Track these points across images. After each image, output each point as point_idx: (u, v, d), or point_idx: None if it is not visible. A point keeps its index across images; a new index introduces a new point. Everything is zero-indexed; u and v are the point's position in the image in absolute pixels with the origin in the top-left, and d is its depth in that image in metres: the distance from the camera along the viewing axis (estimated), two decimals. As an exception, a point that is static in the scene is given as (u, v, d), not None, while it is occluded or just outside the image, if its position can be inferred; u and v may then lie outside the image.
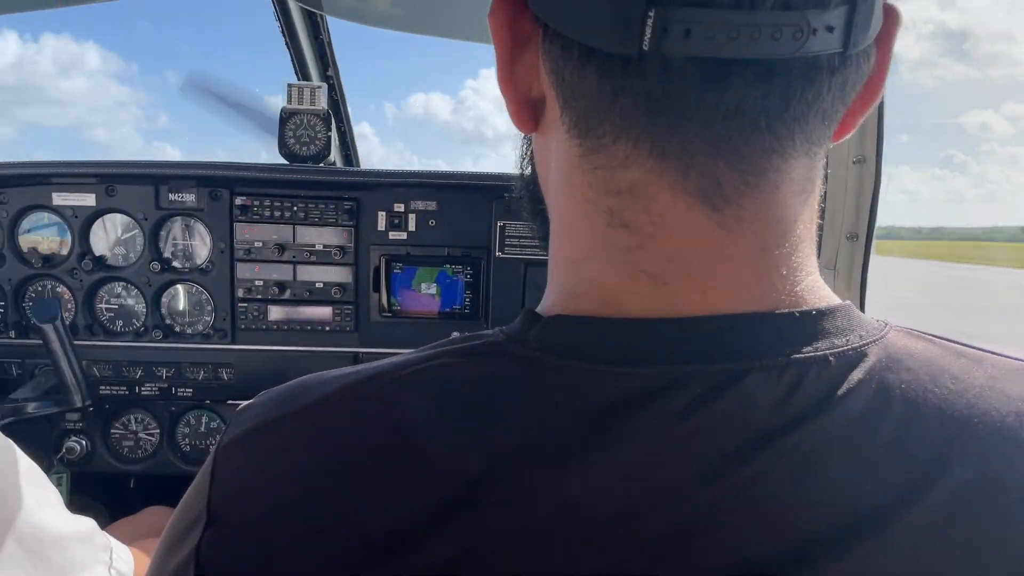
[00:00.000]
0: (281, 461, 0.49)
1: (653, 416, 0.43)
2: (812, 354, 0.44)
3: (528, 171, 0.62)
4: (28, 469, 0.68)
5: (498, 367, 0.48)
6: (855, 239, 1.36)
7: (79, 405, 1.65)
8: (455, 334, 1.67)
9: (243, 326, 1.86)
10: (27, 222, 1.83)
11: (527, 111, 0.52)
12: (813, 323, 0.46)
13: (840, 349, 0.45)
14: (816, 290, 0.49)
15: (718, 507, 0.41)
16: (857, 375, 0.44)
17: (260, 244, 1.82)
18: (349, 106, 2.02)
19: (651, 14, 0.40)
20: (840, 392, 0.43)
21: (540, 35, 0.48)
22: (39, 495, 0.69)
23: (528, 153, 0.62)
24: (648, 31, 0.40)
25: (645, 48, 0.41)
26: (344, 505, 0.45)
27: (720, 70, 0.41)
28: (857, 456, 0.42)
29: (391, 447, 0.46)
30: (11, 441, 0.67)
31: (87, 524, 0.78)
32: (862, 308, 1.45)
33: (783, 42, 0.40)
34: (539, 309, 0.52)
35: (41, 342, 1.64)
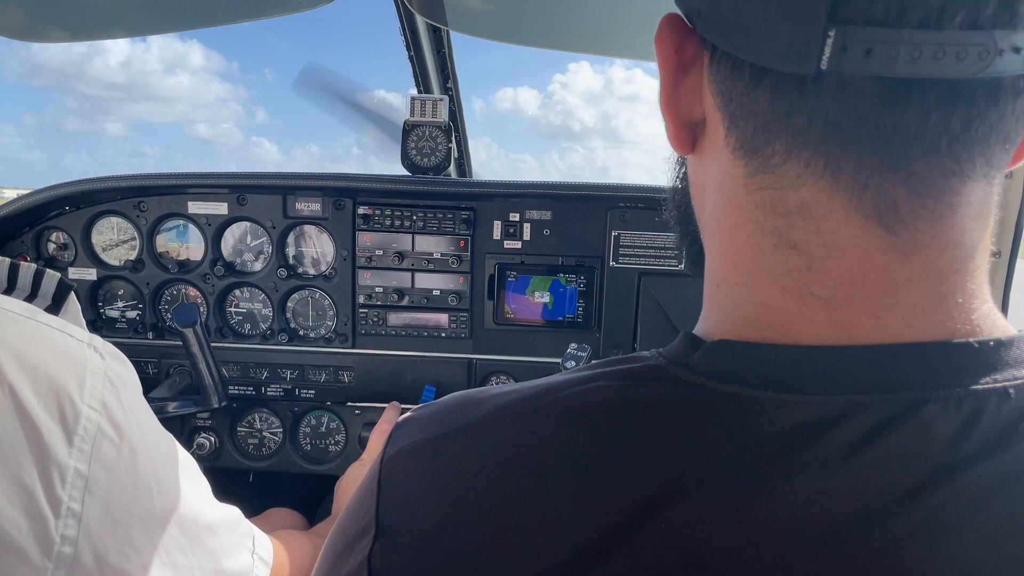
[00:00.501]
0: (448, 475, 0.50)
1: (830, 446, 0.42)
2: (991, 386, 0.43)
3: (679, 194, 0.63)
4: (187, 461, 0.74)
5: (663, 392, 0.48)
6: (998, 256, 1.34)
7: (216, 406, 1.74)
8: (572, 345, 1.68)
9: (363, 331, 1.92)
10: (164, 229, 1.93)
11: (686, 133, 0.53)
12: (992, 354, 0.44)
13: (1020, 381, 0.43)
14: (992, 319, 0.47)
15: (900, 542, 0.40)
16: None
17: (380, 252, 1.88)
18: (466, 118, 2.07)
19: (831, 33, 0.40)
20: (1022, 426, 0.42)
21: (706, 58, 0.49)
22: (196, 484, 0.74)
23: (681, 174, 0.62)
24: (827, 50, 0.40)
25: (823, 67, 0.40)
26: (510, 523, 0.46)
27: (900, 90, 0.41)
28: None
29: (556, 468, 0.47)
30: (171, 435, 0.72)
31: (233, 512, 0.83)
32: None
33: (968, 62, 0.39)
34: (697, 331, 0.52)
35: (180, 343, 1.74)
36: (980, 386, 0.43)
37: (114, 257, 1.95)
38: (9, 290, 0.75)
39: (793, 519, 0.42)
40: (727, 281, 0.51)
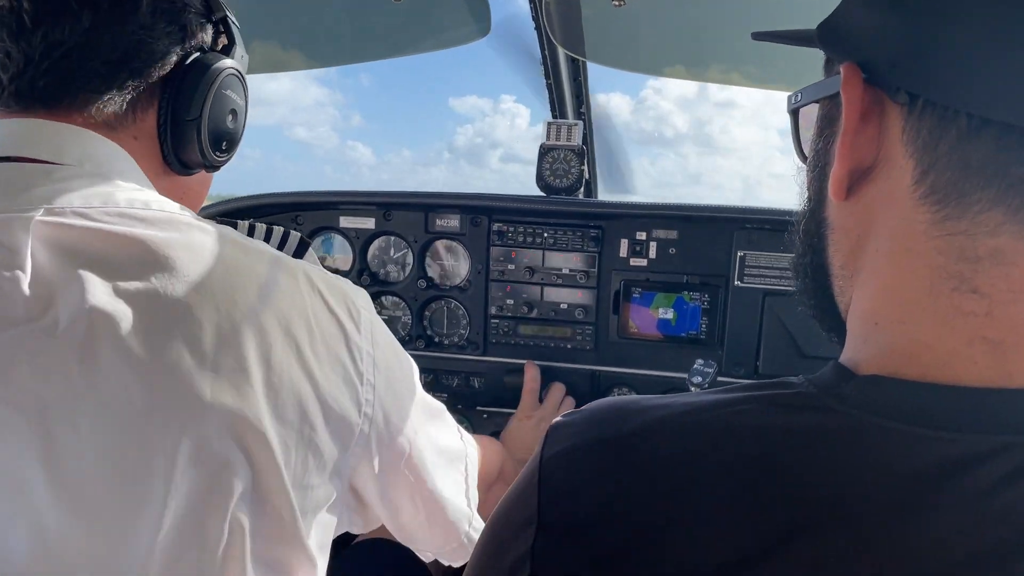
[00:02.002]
0: (606, 478, 0.54)
1: (979, 481, 0.43)
2: None
3: (813, 238, 0.62)
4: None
5: (814, 420, 0.49)
6: None
7: None
8: (699, 361, 1.73)
9: (494, 340, 2.05)
10: (318, 241, 2.12)
11: (850, 179, 0.54)
12: None
13: None
14: None
15: None
16: None
17: (512, 267, 2.00)
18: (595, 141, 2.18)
19: None
20: None
21: (894, 108, 0.51)
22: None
23: (819, 220, 0.62)
24: None
25: None
26: (662, 531, 0.49)
27: None
28: None
29: (707, 487, 0.50)
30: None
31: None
32: None
33: None
34: (844, 362, 0.54)
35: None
36: None
37: None
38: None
39: (939, 551, 0.43)
40: (888, 319, 0.52)
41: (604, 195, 2.39)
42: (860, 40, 0.53)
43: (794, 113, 0.66)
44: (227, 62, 0.85)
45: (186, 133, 0.83)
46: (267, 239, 0.97)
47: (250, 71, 0.93)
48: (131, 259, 0.67)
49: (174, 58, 0.81)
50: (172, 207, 0.75)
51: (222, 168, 0.94)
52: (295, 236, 0.99)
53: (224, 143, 0.89)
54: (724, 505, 0.49)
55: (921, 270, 0.50)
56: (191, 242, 0.71)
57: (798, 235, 0.65)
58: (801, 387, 0.52)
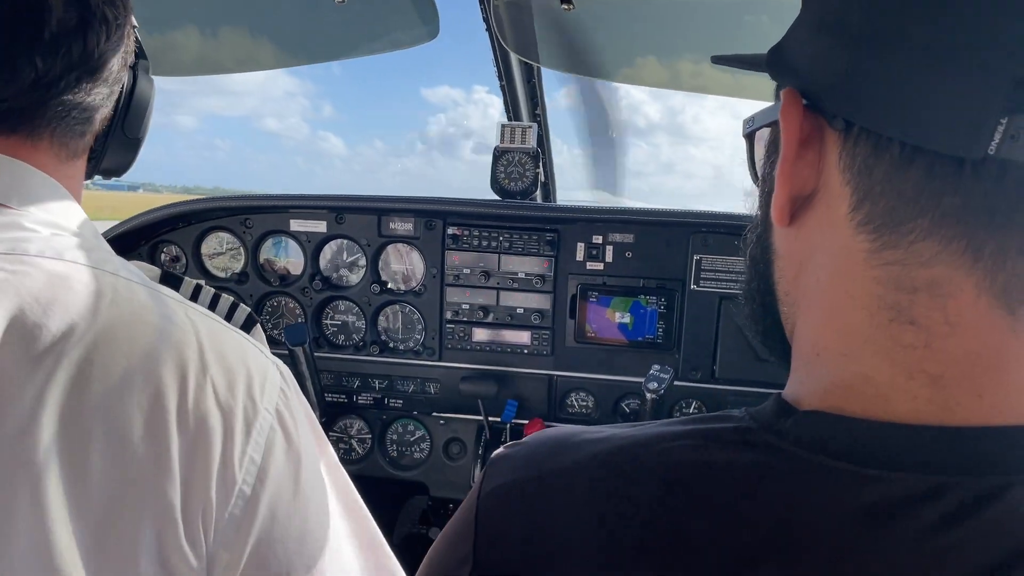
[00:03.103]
0: (540, 518, 0.53)
1: (914, 523, 0.43)
2: None
3: (759, 264, 0.62)
4: (346, 506, 0.79)
5: (752, 457, 0.49)
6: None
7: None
8: (655, 366, 1.73)
9: (449, 345, 2.02)
10: (267, 245, 2.07)
11: (791, 206, 0.53)
12: None
13: None
14: None
15: None
16: None
17: (468, 271, 1.97)
18: (552, 140, 2.15)
19: (1003, 121, 0.42)
20: None
21: (831, 135, 0.50)
22: (351, 525, 0.79)
23: (764, 246, 0.61)
24: (997, 137, 0.42)
25: (991, 152, 0.42)
26: (598, 570, 0.49)
27: None
28: None
29: (643, 523, 0.49)
30: (337, 473, 0.79)
31: (376, 561, 0.82)
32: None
33: None
34: (787, 396, 0.53)
35: (283, 354, 1.86)
36: None
37: (217, 266, 2.09)
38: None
39: None
40: (830, 350, 0.51)
41: (562, 198, 2.37)
42: (802, 66, 0.52)
43: (749, 138, 0.64)
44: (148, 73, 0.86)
45: (122, 145, 0.83)
46: (212, 306, 0.91)
47: (214, 70, 0.93)
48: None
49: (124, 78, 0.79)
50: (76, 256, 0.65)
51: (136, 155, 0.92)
52: (243, 310, 0.93)
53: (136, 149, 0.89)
54: (661, 544, 0.48)
55: (860, 299, 0.49)
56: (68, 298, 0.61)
57: (746, 260, 0.64)
58: (742, 421, 0.52)
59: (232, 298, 0.92)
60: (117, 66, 0.74)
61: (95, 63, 0.70)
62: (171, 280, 0.95)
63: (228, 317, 0.90)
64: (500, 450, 0.61)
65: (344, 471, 0.81)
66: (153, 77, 0.87)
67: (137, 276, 0.67)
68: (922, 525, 0.43)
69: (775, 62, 0.57)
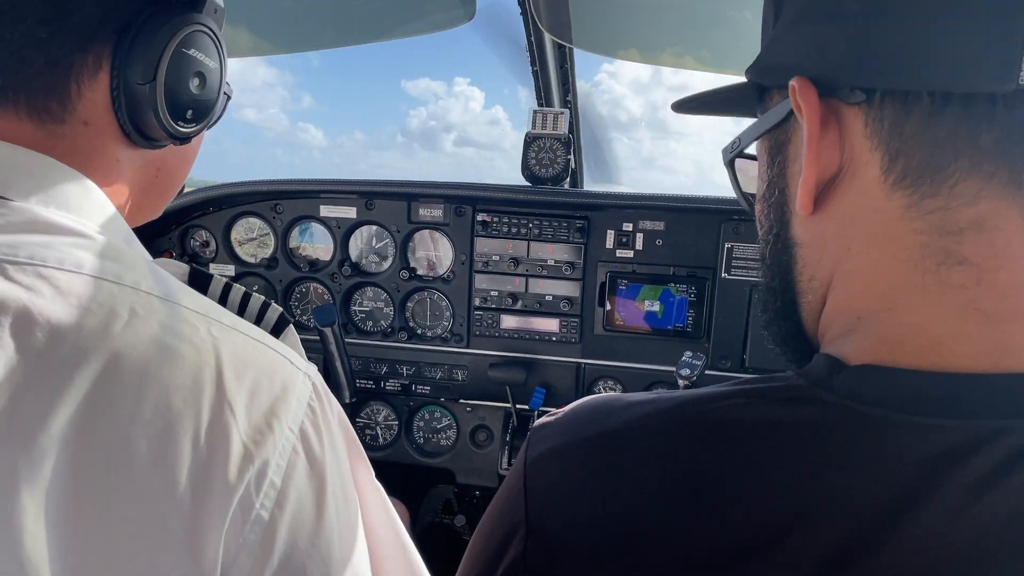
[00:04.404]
0: (592, 478, 0.53)
1: (975, 470, 0.43)
2: None
3: (781, 259, 0.62)
4: (380, 527, 0.76)
5: (805, 413, 0.49)
6: None
7: (347, 400, 1.86)
8: (687, 353, 1.71)
9: (477, 332, 2.01)
10: (295, 233, 2.07)
11: (817, 190, 0.54)
12: None
13: None
14: None
15: None
16: None
17: (497, 258, 1.97)
18: (581, 130, 2.15)
19: None
20: None
21: (847, 112, 0.51)
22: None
23: (784, 242, 0.61)
24: (1023, 69, 0.43)
25: (1021, 84, 0.44)
26: (652, 527, 0.49)
27: None
28: None
29: (699, 479, 0.49)
30: (373, 491, 0.76)
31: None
32: None
33: None
34: (835, 353, 0.53)
35: (314, 338, 1.86)
36: None
37: (246, 252, 2.10)
38: (239, 313, 0.85)
39: (939, 540, 0.43)
40: (872, 311, 0.52)
41: (590, 184, 2.36)
42: (801, 60, 0.54)
43: (731, 164, 0.67)
44: (191, 16, 0.72)
45: (139, 101, 0.69)
46: (241, 309, 0.86)
47: (232, 55, 0.82)
48: None
49: (126, 12, 0.68)
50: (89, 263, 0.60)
51: (194, 139, 0.79)
52: (275, 310, 0.86)
53: (189, 111, 0.74)
54: (717, 499, 0.48)
55: (903, 253, 0.50)
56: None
57: (764, 263, 0.65)
58: (791, 380, 0.52)
59: (263, 297, 0.88)
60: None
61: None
62: (200, 279, 0.90)
63: (259, 319, 0.86)
64: (542, 419, 0.61)
65: (380, 489, 0.77)
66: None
67: (161, 285, 0.62)
68: (978, 473, 0.43)
69: (764, 71, 0.60)
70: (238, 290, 0.88)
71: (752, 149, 0.65)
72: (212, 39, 0.75)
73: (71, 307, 0.56)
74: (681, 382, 1.68)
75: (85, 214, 0.65)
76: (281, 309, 0.88)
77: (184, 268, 0.94)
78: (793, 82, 0.53)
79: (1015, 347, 0.47)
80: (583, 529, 0.52)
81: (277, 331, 0.87)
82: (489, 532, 0.59)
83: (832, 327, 0.56)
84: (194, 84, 0.74)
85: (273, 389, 0.62)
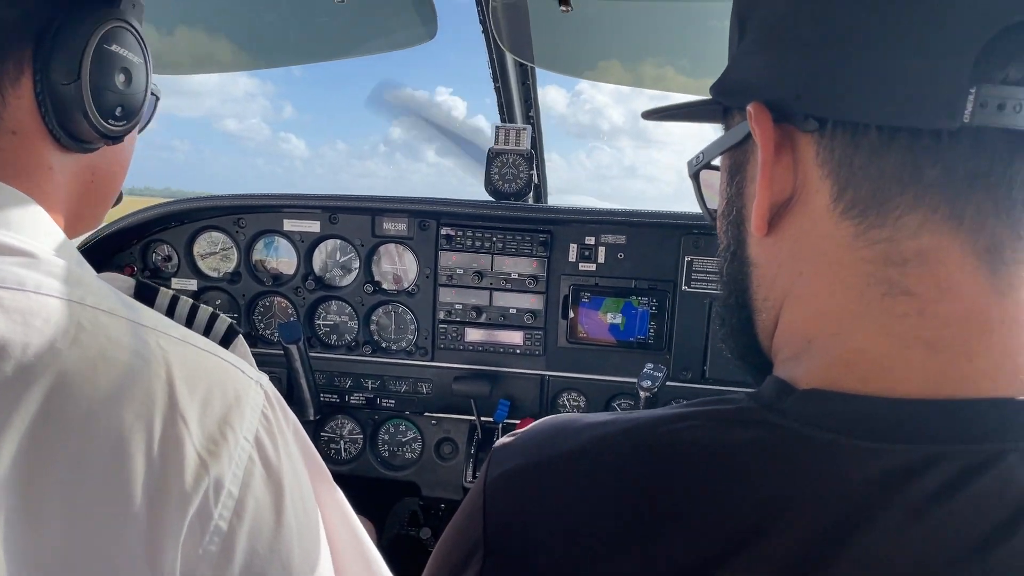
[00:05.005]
0: (550, 499, 0.54)
1: (916, 492, 0.45)
2: None
3: (737, 278, 0.63)
4: (339, 523, 0.77)
5: (755, 435, 0.50)
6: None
7: (311, 418, 1.86)
8: (648, 365, 1.75)
9: (442, 345, 2.03)
10: (259, 246, 2.07)
11: (770, 213, 0.56)
12: None
13: None
14: None
15: None
16: None
17: (461, 271, 1.98)
18: (544, 140, 2.17)
19: (972, 91, 0.45)
20: None
21: (802, 137, 0.53)
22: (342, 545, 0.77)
23: (741, 260, 0.63)
24: (969, 106, 0.45)
25: (966, 121, 0.46)
26: (607, 548, 0.50)
27: (1018, 141, 0.47)
28: None
29: (651, 503, 0.51)
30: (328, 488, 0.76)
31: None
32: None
33: None
34: (785, 376, 0.54)
35: (277, 352, 1.86)
36: None
37: (209, 266, 2.09)
38: (187, 326, 0.84)
39: (884, 560, 0.44)
40: (822, 335, 0.53)
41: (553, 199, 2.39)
42: (760, 84, 0.55)
43: (695, 177, 0.68)
44: (110, 11, 0.71)
45: (66, 102, 0.68)
46: (189, 320, 0.86)
47: (192, 71, 0.81)
48: None
49: (42, 13, 0.66)
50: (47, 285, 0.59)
51: (126, 139, 0.78)
52: (223, 321, 0.87)
53: (118, 109, 0.73)
54: (672, 520, 0.49)
55: (850, 280, 0.52)
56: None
57: (722, 280, 0.66)
58: (742, 402, 0.53)
59: (211, 309, 0.88)
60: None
61: None
62: (146, 292, 0.90)
63: (207, 330, 0.86)
64: (503, 439, 0.62)
65: (341, 498, 0.78)
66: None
67: (107, 300, 0.61)
68: (920, 496, 0.45)
69: (727, 90, 0.61)
70: (185, 302, 0.88)
71: (718, 161, 0.66)
72: (133, 34, 0.74)
73: (15, 325, 0.55)
74: (643, 394, 1.71)
75: (24, 230, 0.63)
76: (230, 320, 0.89)
77: (130, 282, 0.94)
78: (750, 107, 0.54)
79: (954, 375, 0.48)
80: (540, 550, 0.53)
81: (226, 342, 0.87)
82: (448, 551, 0.61)
83: (784, 348, 0.58)
84: (120, 81, 0.73)
85: (226, 399, 0.62)
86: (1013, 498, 0.44)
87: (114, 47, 0.71)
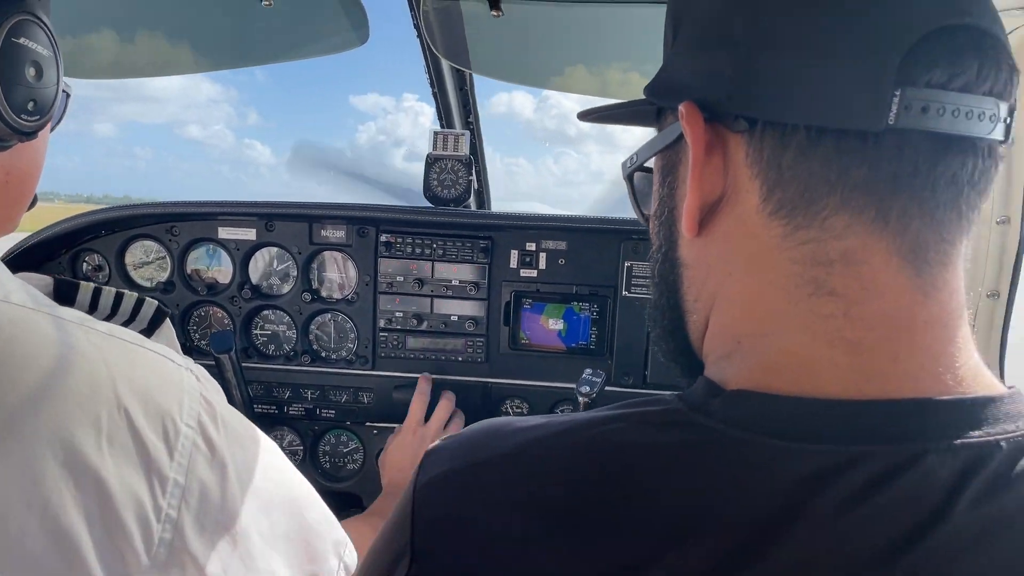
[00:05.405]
0: (479, 504, 0.54)
1: (837, 494, 0.45)
2: (985, 439, 0.48)
3: (668, 279, 0.64)
4: (282, 475, 0.79)
5: (681, 436, 0.51)
6: (996, 297, 1.41)
7: None
8: (587, 370, 1.75)
9: (383, 354, 2.00)
10: (194, 253, 2.02)
11: (701, 214, 0.56)
12: (984, 409, 0.49)
13: (1012, 435, 0.48)
14: (982, 373, 0.52)
15: None
16: None
17: (401, 278, 1.96)
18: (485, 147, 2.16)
19: (897, 93, 0.46)
20: (1013, 474, 0.46)
21: (733, 138, 0.53)
22: (294, 492, 0.80)
23: (671, 261, 0.63)
24: (894, 108, 0.46)
25: (891, 123, 0.47)
26: (536, 551, 0.50)
27: (942, 143, 0.48)
28: None
29: (580, 502, 0.51)
30: (270, 448, 0.78)
31: (325, 524, 0.84)
32: (1002, 365, 1.49)
33: (984, 124, 0.48)
34: (713, 377, 0.55)
35: (209, 363, 1.81)
36: (974, 439, 0.47)
37: (142, 276, 2.03)
38: (112, 315, 0.84)
39: (807, 560, 0.45)
40: (751, 336, 0.54)
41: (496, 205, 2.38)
42: (693, 84, 0.56)
43: (630, 178, 0.69)
44: (16, 4, 0.69)
45: None
46: (114, 310, 0.85)
47: (129, 75, 0.80)
48: None
49: None
50: None
51: (40, 136, 0.76)
52: (150, 304, 0.86)
53: (31, 103, 0.72)
54: (598, 522, 0.49)
55: (779, 280, 0.52)
56: None
57: (653, 281, 0.67)
58: (671, 404, 0.54)
59: (136, 295, 0.86)
60: None
61: None
62: (66, 289, 0.89)
63: (133, 316, 0.85)
64: (435, 443, 0.62)
65: (288, 467, 0.80)
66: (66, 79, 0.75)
67: (33, 298, 0.61)
68: (842, 496, 0.45)
69: (660, 90, 0.61)
70: (109, 292, 0.87)
71: (651, 164, 0.66)
72: (42, 28, 0.73)
73: None
74: (581, 400, 1.70)
75: None
76: (157, 303, 0.87)
77: (48, 280, 0.91)
78: (682, 107, 0.55)
79: (877, 375, 0.49)
80: (469, 556, 0.52)
81: (154, 324, 0.86)
82: (377, 556, 0.60)
83: (715, 349, 0.58)
84: (30, 74, 0.71)
85: (166, 391, 0.64)
86: (931, 499, 0.45)
87: (22, 40, 0.69)
